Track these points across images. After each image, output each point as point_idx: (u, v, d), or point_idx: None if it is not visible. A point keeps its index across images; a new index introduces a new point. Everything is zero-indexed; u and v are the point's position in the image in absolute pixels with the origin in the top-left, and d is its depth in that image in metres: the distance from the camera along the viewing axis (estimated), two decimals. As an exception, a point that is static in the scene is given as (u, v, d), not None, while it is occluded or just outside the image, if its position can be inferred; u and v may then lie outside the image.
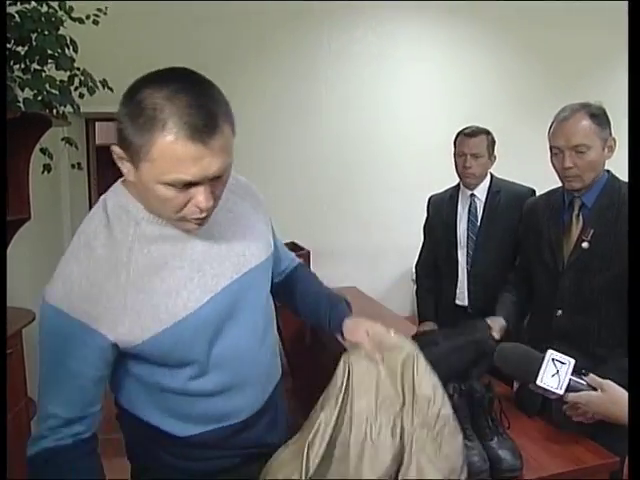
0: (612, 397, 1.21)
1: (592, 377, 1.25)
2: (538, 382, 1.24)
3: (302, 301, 1.34)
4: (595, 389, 1.23)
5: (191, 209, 0.92)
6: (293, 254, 1.43)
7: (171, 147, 0.83)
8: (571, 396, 1.24)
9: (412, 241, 2.81)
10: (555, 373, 1.23)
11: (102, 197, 1.03)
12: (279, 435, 1.18)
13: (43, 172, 2.55)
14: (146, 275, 0.96)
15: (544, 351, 1.28)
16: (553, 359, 1.24)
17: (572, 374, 1.24)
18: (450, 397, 1.34)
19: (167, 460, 1.09)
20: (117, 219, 0.98)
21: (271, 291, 1.22)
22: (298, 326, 2.72)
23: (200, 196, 0.89)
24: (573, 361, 1.24)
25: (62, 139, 2.62)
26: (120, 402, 1.10)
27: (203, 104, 0.86)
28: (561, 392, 1.23)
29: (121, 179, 1.02)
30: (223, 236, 1.05)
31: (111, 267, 0.94)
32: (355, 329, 1.20)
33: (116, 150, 0.90)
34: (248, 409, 1.11)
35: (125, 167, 0.91)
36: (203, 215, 0.93)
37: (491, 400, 1.39)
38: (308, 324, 1.39)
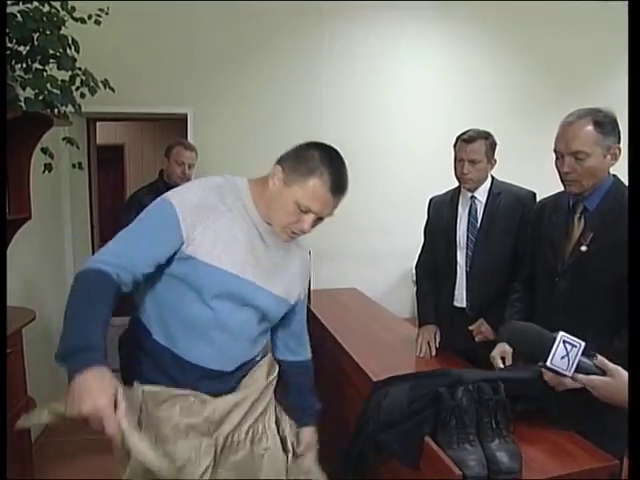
0: (620, 383, 1.20)
1: (602, 360, 1.25)
2: (548, 363, 1.24)
3: (293, 395, 1.62)
4: (605, 373, 1.23)
5: (296, 226, 1.34)
6: (307, 343, 1.71)
7: (318, 189, 1.29)
8: (580, 378, 1.24)
9: (412, 242, 2.80)
10: (565, 355, 1.24)
11: (231, 177, 1.43)
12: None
13: (44, 171, 2.55)
14: (223, 230, 1.31)
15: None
16: (564, 341, 1.24)
17: (582, 357, 1.24)
18: (459, 399, 1.36)
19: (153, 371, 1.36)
20: (234, 192, 1.37)
21: (278, 360, 1.62)
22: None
23: (308, 221, 1.32)
24: (583, 344, 1.24)
25: (63, 139, 2.63)
26: (139, 317, 1.40)
27: (345, 173, 1.36)
28: (570, 374, 1.24)
29: (247, 179, 1.44)
30: (276, 260, 1.43)
31: (213, 207, 1.31)
32: (306, 435, 1.58)
33: (277, 169, 1.35)
34: (216, 364, 1.38)
35: (274, 181, 1.34)
36: (299, 233, 1.37)
37: (498, 403, 1.39)
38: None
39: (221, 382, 1.41)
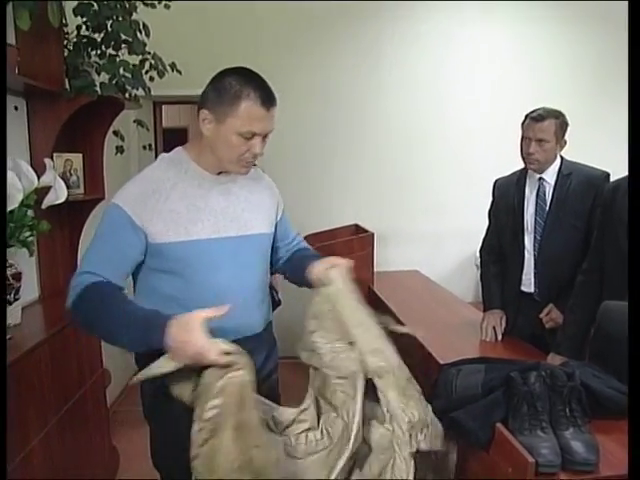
0: None
1: None
2: None
3: (291, 261, 1.63)
4: None
5: (247, 155, 1.33)
6: (301, 238, 1.72)
7: (252, 109, 1.27)
8: None
9: (476, 225, 2.74)
10: None
11: (163, 154, 1.44)
12: None
13: (116, 153, 2.65)
14: (179, 203, 1.32)
15: None
16: None
17: None
18: (532, 384, 1.33)
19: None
20: (172, 164, 1.38)
21: (277, 266, 1.64)
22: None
23: (257, 144, 1.32)
24: None
25: (134, 121, 2.71)
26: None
27: (266, 84, 1.33)
28: None
29: (180, 147, 1.44)
30: (239, 204, 1.42)
31: (157, 189, 1.32)
32: (321, 264, 1.46)
33: (204, 113, 1.31)
34: (219, 335, 1.29)
35: (206, 126, 1.32)
36: (253, 161, 1.36)
37: (573, 390, 1.34)
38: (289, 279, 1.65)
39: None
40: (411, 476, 1.24)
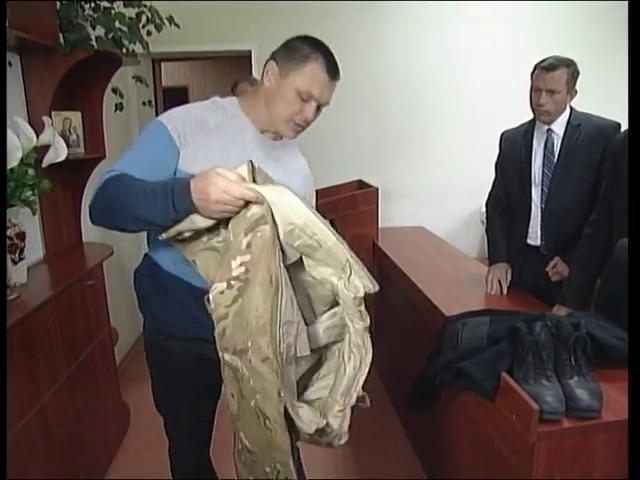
0: None
1: None
2: None
3: None
4: None
5: (299, 117, 1.33)
6: None
7: (317, 72, 1.29)
8: None
9: (481, 181, 2.71)
10: None
11: (214, 98, 1.42)
12: None
13: (115, 111, 2.60)
14: (216, 142, 1.31)
15: None
16: None
17: None
18: (537, 334, 1.33)
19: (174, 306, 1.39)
20: (221, 108, 1.37)
21: None
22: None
23: (310, 109, 1.32)
24: None
25: (132, 77, 2.66)
26: (151, 255, 1.42)
27: (334, 58, 1.34)
28: None
29: (235, 97, 1.44)
30: (272, 169, 1.32)
31: (201, 122, 1.31)
32: None
33: (271, 64, 1.32)
34: None
35: (269, 77, 1.32)
36: (304, 125, 1.35)
37: (578, 339, 1.35)
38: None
39: None
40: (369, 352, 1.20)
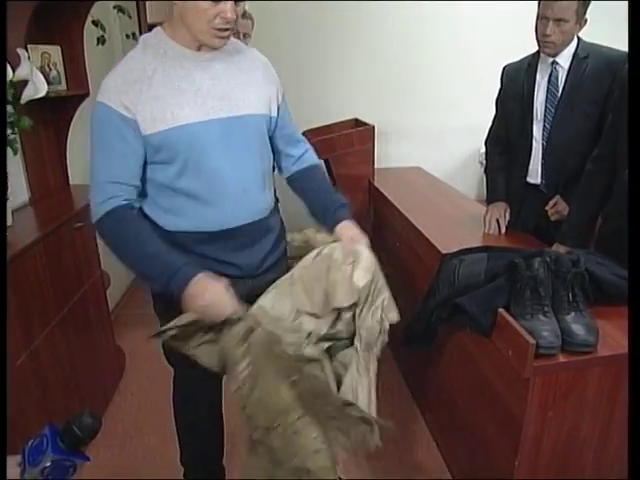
0: None
1: None
2: None
3: (310, 203, 1.57)
4: None
5: (219, 21, 1.23)
6: (309, 147, 1.64)
7: None
8: None
9: (481, 120, 2.65)
10: None
11: (142, 36, 1.37)
12: (252, 263, 1.45)
13: (98, 44, 2.51)
14: (162, 88, 1.27)
15: None
16: None
17: None
18: (535, 270, 1.33)
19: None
20: (151, 47, 1.31)
21: (287, 179, 1.59)
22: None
23: (227, 8, 1.22)
24: None
25: (114, 7, 2.54)
26: (143, 209, 1.40)
27: None
28: None
29: (158, 26, 1.36)
30: (228, 81, 1.34)
31: (139, 78, 1.27)
32: (345, 230, 1.44)
33: None
34: (223, 222, 1.38)
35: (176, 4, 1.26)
36: (226, 26, 1.25)
37: (577, 275, 1.35)
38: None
39: (247, 245, 1.44)
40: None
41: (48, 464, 0.87)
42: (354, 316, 1.30)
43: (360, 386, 1.25)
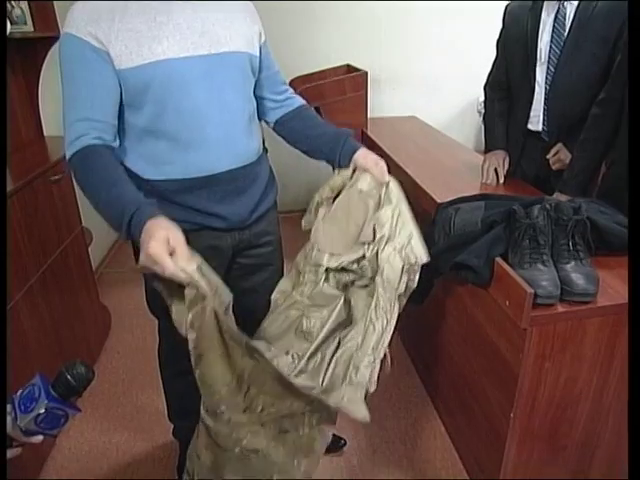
0: None
1: None
2: None
3: (311, 141, 1.53)
4: None
5: None
6: (291, 90, 1.62)
7: None
8: None
9: (479, 66, 2.59)
10: None
11: None
12: (239, 214, 1.43)
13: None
14: (136, 20, 1.22)
15: None
16: None
17: None
18: (535, 217, 1.33)
19: None
20: None
21: (275, 123, 1.57)
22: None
23: None
24: None
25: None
26: (121, 160, 1.34)
27: None
28: None
29: None
30: (208, 17, 1.30)
31: (112, 6, 1.21)
32: (365, 157, 1.41)
33: None
34: (206, 168, 1.34)
35: None
36: None
37: (577, 223, 1.34)
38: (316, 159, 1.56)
39: (233, 194, 1.41)
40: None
41: (42, 411, 0.88)
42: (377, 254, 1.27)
43: (372, 327, 1.23)
